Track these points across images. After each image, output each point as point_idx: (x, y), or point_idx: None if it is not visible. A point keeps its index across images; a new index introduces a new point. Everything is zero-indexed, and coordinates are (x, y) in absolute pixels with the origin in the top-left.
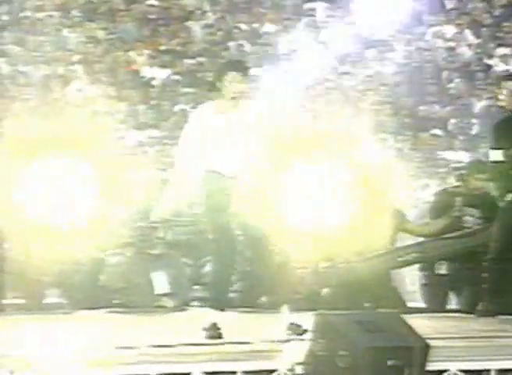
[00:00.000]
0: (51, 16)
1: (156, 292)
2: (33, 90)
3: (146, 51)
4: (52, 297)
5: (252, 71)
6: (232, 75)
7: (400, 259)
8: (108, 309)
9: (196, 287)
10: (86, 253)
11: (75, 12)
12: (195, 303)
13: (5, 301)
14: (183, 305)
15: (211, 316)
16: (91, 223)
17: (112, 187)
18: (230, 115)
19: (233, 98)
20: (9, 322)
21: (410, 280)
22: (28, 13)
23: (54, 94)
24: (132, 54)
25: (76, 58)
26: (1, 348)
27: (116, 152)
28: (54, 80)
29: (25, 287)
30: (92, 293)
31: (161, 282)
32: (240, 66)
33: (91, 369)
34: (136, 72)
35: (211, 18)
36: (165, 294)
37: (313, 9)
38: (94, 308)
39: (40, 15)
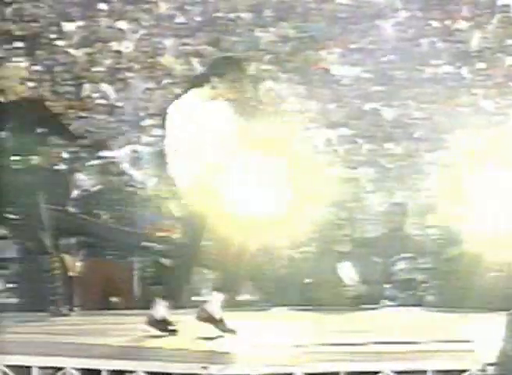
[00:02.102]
0: (243, 17)
1: (344, 289)
2: None
3: (336, 50)
4: (246, 294)
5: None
6: (234, 75)
7: None
8: (297, 307)
9: (386, 285)
10: (278, 249)
11: (267, 12)
12: (385, 302)
13: (198, 298)
14: (372, 304)
15: (402, 314)
16: (284, 219)
17: (301, 184)
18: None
19: (230, 100)
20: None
21: None
22: (221, 14)
23: (246, 93)
24: (322, 52)
25: (267, 57)
26: (194, 343)
27: (306, 151)
28: (246, 79)
29: (220, 283)
30: (283, 290)
31: (348, 279)
32: (241, 66)
33: (284, 367)
34: (327, 70)
35: (402, 15)
36: (351, 288)
37: (507, 6)
38: (284, 306)
39: (233, 15)
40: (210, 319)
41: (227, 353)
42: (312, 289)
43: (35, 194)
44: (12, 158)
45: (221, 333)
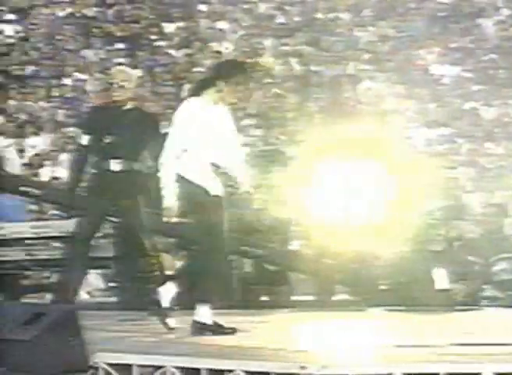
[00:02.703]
0: (342, 17)
1: (436, 288)
2: (325, 89)
3: (436, 49)
4: (341, 294)
5: None
6: (239, 78)
7: None
8: (392, 307)
9: (485, 286)
10: (374, 250)
11: (366, 12)
12: (485, 302)
13: (295, 298)
14: (471, 304)
15: (503, 315)
16: (381, 221)
17: (401, 185)
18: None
19: (232, 104)
20: (299, 318)
21: None
22: (320, 14)
23: (345, 93)
24: (422, 52)
25: (366, 57)
26: (292, 343)
27: (405, 150)
28: (344, 79)
29: (316, 285)
30: (375, 290)
31: (441, 278)
32: (245, 69)
33: (383, 367)
34: (426, 70)
35: (504, 14)
36: (445, 291)
37: None
38: (380, 306)
39: (332, 15)
40: (204, 328)
41: (324, 353)
42: (407, 289)
43: (135, 198)
44: (115, 161)
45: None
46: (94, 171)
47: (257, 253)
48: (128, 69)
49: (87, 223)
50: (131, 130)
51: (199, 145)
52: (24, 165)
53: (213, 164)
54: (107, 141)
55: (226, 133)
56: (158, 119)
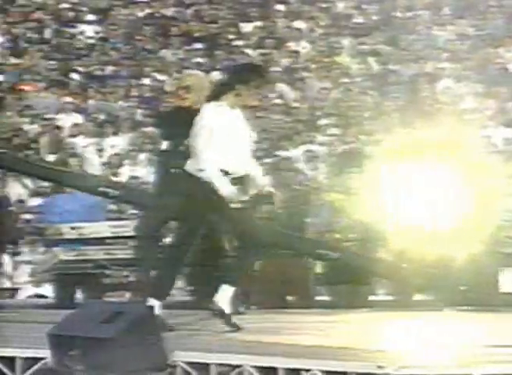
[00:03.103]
0: (421, 15)
1: (501, 290)
2: (402, 89)
3: None
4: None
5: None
6: (258, 82)
7: None
8: (466, 307)
9: None
10: (450, 253)
11: (446, 10)
12: None
13: (374, 298)
14: None
15: None
16: (458, 223)
17: (479, 185)
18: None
19: (252, 107)
20: (378, 318)
21: None
22: (398, 13)
23: (423, 92)
24: (501, 50)
25: (444, 55)
26: (370, 343)
27: (483, 150)
28: (422, 78)
29: (395, 285)
30: (451, 291)
31: (507, 281)
32: (262, 73)
33: (461, 368)
34: (505, 68)
35: None
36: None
37: None
38: (454, 306)
39: (411, 14)
40: (221, 314)
41: (401, 353)
42: (477, 290)
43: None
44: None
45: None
46: (177, 172)
47: (332, 257)
48: (200, 73)
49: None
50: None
51: (217, 149)
52: (103, 164)
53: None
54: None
55: (245, 137)
56: None
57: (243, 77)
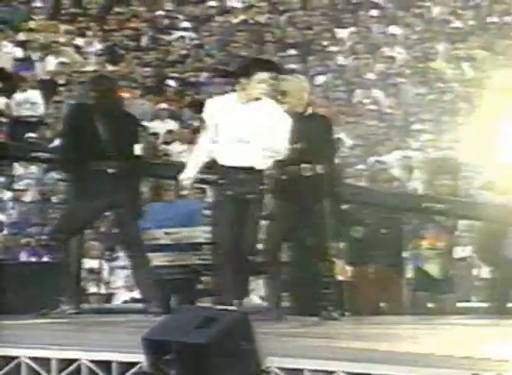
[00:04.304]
0: None
1: None
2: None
3: None
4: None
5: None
6: (261, 76)
7: None
8: None
9: None
10: None
11: None
12: None
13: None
14: None
15: None
16: None
17: None
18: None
19: (257, 99)
20: (473, 325)
21: None
22: (495, 18)
23: None
24: None
25: None
26: (461, 350)
27: None
28: None
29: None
30: None
31: None
32: (271, 67)
33: None
34: None
35: None
36: None
37: None
38: None
39: (507, 18)
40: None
41: (499, 360)
42: None
43: (322, 200)
44: (303, 166)
45: None
46: (283, 176)
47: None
48: (296, 78)
49: (276, 228)
50: (316, 135)
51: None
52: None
53: None
54: (296, 146)
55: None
56: (332, 123)
57: (245, 72)
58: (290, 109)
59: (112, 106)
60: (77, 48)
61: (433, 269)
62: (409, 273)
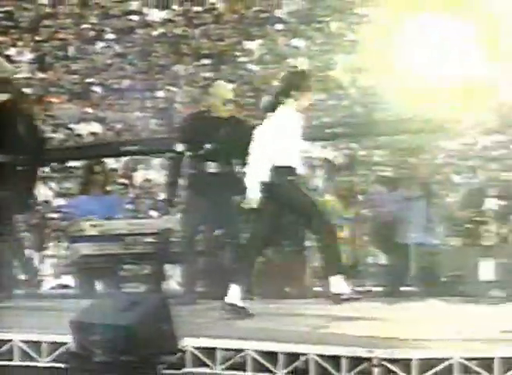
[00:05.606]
0: None
1: (481, 279)
2: None
3: None
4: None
5: None
6: (299, 93)
7: None
8: (447, 298)
9: None
10: None
11: None
12: None
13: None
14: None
15: None
16: None
17: None
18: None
19: (298, 111)
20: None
21: None
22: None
23: None
24: None
25: None
26: (361, 328)
27: None
28: None
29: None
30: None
31: (487, 270)
32: (305, 84)
33: (442, 351)
34: None
35: None
36: (490, 283)
37: None
38: (436, 296)
39: None
40: (233, 309)
41: (392, 338)
42: (456, 281)
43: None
44: (211, 163)
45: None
46: (192, 172)
47: None
48: (226, 84)
49: (189, 221)
50: (231, 136)
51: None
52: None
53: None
54: (208, 146)
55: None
56: (250, 126)
57: (295, 84)
58: (206, 111)
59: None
60: (8, 57)
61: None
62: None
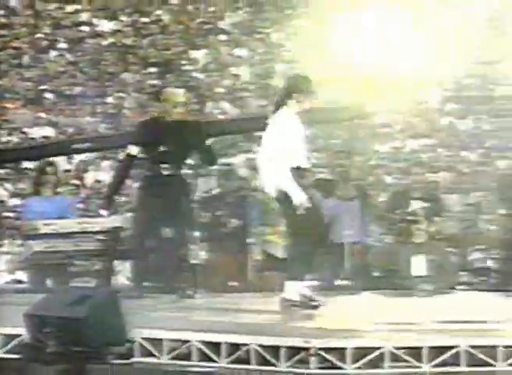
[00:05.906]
0: None
1: (413, 274)
2: None
3: None
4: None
5: None
6: (300, 96)
7: None
8: (380, 291)
9: (462, 273)
10: None
11: None
12: (461, 287)
13: None
14: (448, 288)
15: (476, 298)
16: None
17: None
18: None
19: (298, 113)
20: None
21: None
22: None
23: None
24: None
25: None
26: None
27: None
28: None
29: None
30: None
31: (419, 266)
32: (308, 88)
33: (374, 341)
34: None
35: None
36: (421, 277)
37: None
38: (369, 290)
39: None
40: (292, 304)
41: (332, 329)
42: (392, 275)
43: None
44: (164, 166)
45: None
46: (147, 173)
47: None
48: (178, 90)
49: (140, 220)
50: (183, 138)
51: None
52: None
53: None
54: (160, 149)
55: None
56: (203, 128)
57: (299, 87)
58: (160, 116)
59: None
60: None
61: (277, 251)
62: (258, 256)
